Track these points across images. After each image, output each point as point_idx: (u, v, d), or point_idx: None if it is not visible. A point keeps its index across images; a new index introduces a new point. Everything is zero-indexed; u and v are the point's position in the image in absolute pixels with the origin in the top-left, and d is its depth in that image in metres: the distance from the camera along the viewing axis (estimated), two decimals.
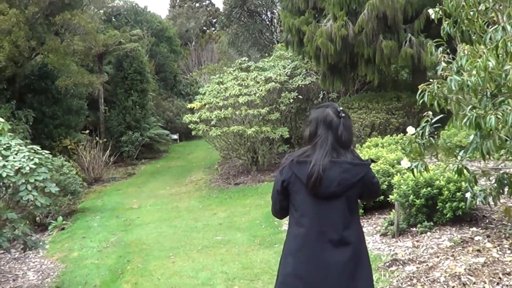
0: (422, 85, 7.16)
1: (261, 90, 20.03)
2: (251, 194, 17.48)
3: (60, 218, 15.87)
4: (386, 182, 10.54)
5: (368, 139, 14.87)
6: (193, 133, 21.53)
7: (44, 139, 25.75)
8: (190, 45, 60.30)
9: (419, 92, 7.11)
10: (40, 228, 16.01)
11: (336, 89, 21.23)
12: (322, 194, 3.93)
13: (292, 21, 19.29)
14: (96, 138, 26.98)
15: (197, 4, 71.34)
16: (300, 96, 21.47)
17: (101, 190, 23.44)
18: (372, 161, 4.50)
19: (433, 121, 6.99)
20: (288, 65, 22.49)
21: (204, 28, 69.51)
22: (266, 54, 32.94)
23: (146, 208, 17.98)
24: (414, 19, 17.53)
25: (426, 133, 7.08)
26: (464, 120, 6.39)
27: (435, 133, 7.15)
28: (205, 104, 21.28)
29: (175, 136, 38.15)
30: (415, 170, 7.26)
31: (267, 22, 42.93)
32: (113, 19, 43.66)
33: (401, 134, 14.78)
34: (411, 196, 9.07)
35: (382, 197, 10.43)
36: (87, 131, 28.17)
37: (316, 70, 22.00)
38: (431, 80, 6.52)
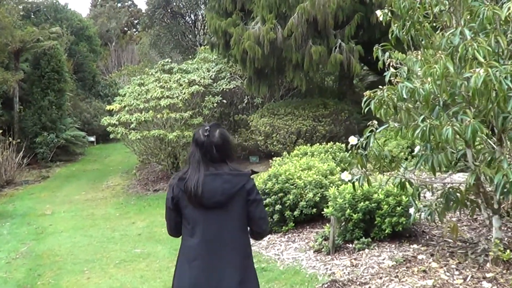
0: (368, 92, 6.58)
1: (184, 93, 19.30)
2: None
3: None
4: (319, 194, 9.92)
5: (296, 147, 14.20)
6: (112, 136, 20.64)
7: None
8: (110, 45, 59.30)
9: (364, 99, 6.52)
10: None
11: (262, 94, 20.62)
12: (208, 205, 4.24)
13: (218, 22, 18.63)
14: (9, 138, 25.60)
15: (119, 4, 70.60)
16: (224, 101, 20.83)
17: (12, 194, 22.16)
18: (253, 172, 4.51)
19: (378, 130, 6.40)
20: (212, 68, 21.87)
21: (125, 28, 68.69)
22: (189, 57, 32.29)
23: (60, 214, 16.94)
24: (345, 25, 17.18)
25: (371, 144, 6.49)
26: (417, 131, 5.81)
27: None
28: (124, 106, 20.35)
29: (92, 139, 36.91)
30: (356, 183, 6.64)
31: (191, 24, 42.34)
32: (32, 16, 42.32)
33: (331, 142, 14.34)
34: (348, 210, 8.48)
35: (314, 209, 9.84)
36: (0, 131, 26.79)
37: (241, 74, 21.41)
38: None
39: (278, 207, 9.99)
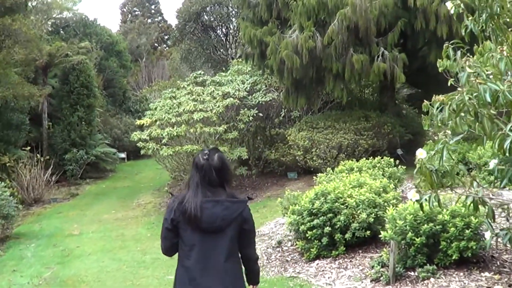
0: (440, 96, 5.56)
1: (218, 106, 18.36)
2: None
3: None
4: (373, 214, 8.86)
5: (341, 162, 13.18)
6: (142, 152, 19.69)
7: None
8: (140, 61, 58.84)
9: (437, 105, 5.50)
10: None
11: (300, 107, 19.66)
12: (208, 229, 4.41)
13: (253, 31, 17.81)
14: (38, 155, 24.87)
15: (149, 20, 70.46)
16: (261, 114, 19.85)
17: (40, 213, 21.42)
18: (249, 198, 4.80)
19: (452, 142, 5.38)
20: (247, 80, 20.85)
21: (155, 44, 68.41)
22: (221, 71, 31.33)
23: (88, 235, 16.12)
24: (388, 32, 16.31)
25: (444, 157, 5.45)
26: (507, 143, 4.77)
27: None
28: (155, 121, 19.43)
29: (123, 155, 36.19)
30: (425, 204, 5.62)
31: (222, 38, 41.66)
32: (61, 31, 42.05)
33: (373, 157, 13.47)
34: (409, 233, 7.47)
35: (367, 232, 8.80)
36: (28, 148, 26.07)
37: (277, 86, 20.52)
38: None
39: (327, 229, 8.94)
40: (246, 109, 19.18)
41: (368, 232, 8.84)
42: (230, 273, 4.49)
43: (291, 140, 18.19)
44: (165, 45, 70.14)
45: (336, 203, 9.05)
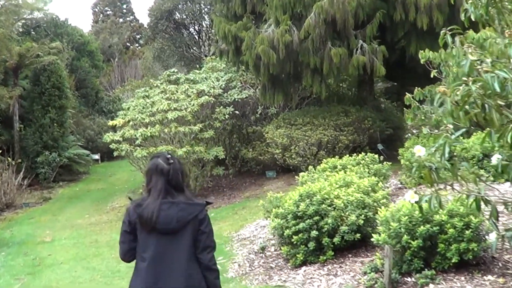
0: (441, 87, 5.00)
1: (193, 105, 17.78)
2: None
3: None
4: (362, 215, 8.28)
5: (324, 160, 12.55)
6: (115, 153, 19.08)
7: None
8: (113, 61, 58.27)
9: (437, 97, 4.96)
10: None
11: (277, 104, 19.09)
12: (163, 231, 4.40)
13: (228, 27, 17.25)
14: (8, 159, 24.13)
15: (121, 20, 69.67)
16: (237, 112, 19.23)
17: (12, 218, 20.75)
18: (207, 203, 4.73)
19: (454, 136, 4.82)
20: (221, 77, 20.23)
21: (127, 44, 67.67)
22: (195, 69, 30.71)
23: (60, 241, 15.45)
24: (366, 24, 15.92)
25: (446, 154, 4.89)
26: None
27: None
28: (128, 121, 18.87)
29: (96, 156, 35.53)
30: (425, 206, 5.07)
31: (195, 35, 41.05)
32: (32, 32, 41.36)
33: (355, 153, 13.10)
34: (405, 236, 6.90)
35: (357, 234, 8.24)
36: None
37: (253, 82, 20.00)
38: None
39: (314, 233, 8.31)
40: (221, 107, 18.58)
41: (358, 235, 8.24)
42: (195, 273, 4.45)
43: (269, 138, 17.67)
44: (137, 45, 69.53)
45: (323, 205, 8.44)
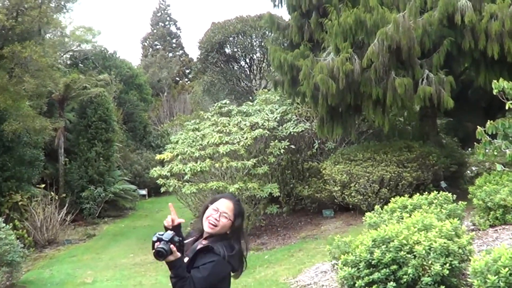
0: None
1: (246, 138, 16.77)
2: None
3: None
4: (447, 264, 7.06)
5: (392, 199, 11.26)
6: (162, 189, 18.09)
7: None
8: (162, 95, 58.29)
9: None
10: None
11: (335, 138, 17.98)
12: None
13: (283, 55, 16.36)
14: (52, 193, 23.42)
15: (170, 54, 69.93)
16: (292, 146, 18.09)
17: (53, 255, 20.09)
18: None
19: None
20: (276, 109, 19.15)
21: (177, 78, 67.83)
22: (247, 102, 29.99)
23: (102, 283, 14.62)
24: (432, 53, 14.86)
25: None
26: None
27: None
28: (177, 155, 17.97)
29: (144, 192, 34.96)
30: None
31: (246, 69, 40.36)
32: (80, 64, 41.39)
33: (418, 191, 12.63)
34: None
35: (442, 287, 7.02)
36: (43, 185, 24.71)
37: (308, 116, 19.01)
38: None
39: (391, 285, 7.10)
40: (276, 141, 17.50)
41: (442, 287, 7.06)
42: None
43: (327, 174, 16.60)
44: (186, 79, 69.88)
45: (401, 252, 7.23)
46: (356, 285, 7.40)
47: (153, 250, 4.18)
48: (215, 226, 4.52)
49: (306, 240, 14.93)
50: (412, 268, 7.06)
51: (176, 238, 4.27)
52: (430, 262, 7.12)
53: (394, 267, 7.19)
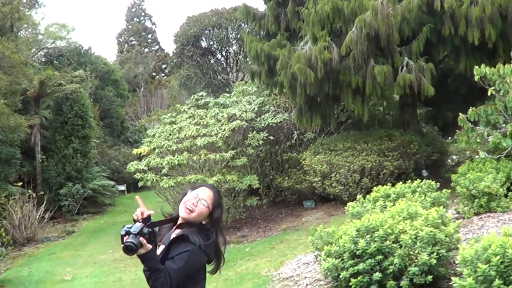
0: None
1: (224, 130, 16.42)
2: None
3: None
4: (435, 253, 6.82)
5: (374, 188, 11.01)
6: (140, 184, 17.76)
7: None
8: (138, 91, 58.12)
9: None
10: None
11: (314, 128, 17.71)
12: None
13: (260, 45, 16.05)
14: (29, 191, 23.06)
15: (146, 49, 69.62)
16: (271, 137, 17.80)
17: (32, 253, 19.76)
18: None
19: None
20: (253, 101, 18.82)
21: (153, 73, 67.76)
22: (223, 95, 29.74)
23: (81, 280, 14.31)
24: (411, 40, 14.64)
25: None
26: None
27: None
28: (154, 149, 17.59)
29: (122, 187, 34.70)
30: None
31: (222, 62, 40.07)
32: (55, 61, 40.87)
33: (400, 180, 12.42)
34: (497, 280, 5.52)
35: (429, 276, 6.79)
36: (20, 183, 24.27)
37: (286, 107, 18.76)
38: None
39: (377, 275, 6.88)
40: (254, 132, 17.20)
41: (429, 277, 6.81)
42: None
43: (306, 165, 16.36)
44: (163, 74, 69.72)
45: (387, 242, 6.99)
46: (341, 276, 7.18)
47: (122, 245, 3.94)
48: (191, 211, 4.29)
49: (287, 232, 14.68)
50: (398, 258, 6.85)
51: (145, 230, 4.01)
52: (416, 251, 6.91)
53: (380, 257, 6.98)
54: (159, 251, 4.19)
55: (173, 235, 4.27)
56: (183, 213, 4.30)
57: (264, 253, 13.00)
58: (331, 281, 7.96)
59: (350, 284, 7.09)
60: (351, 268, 7.09)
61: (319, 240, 8.50)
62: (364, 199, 10.42)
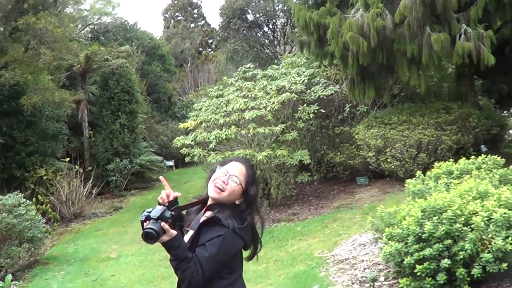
0: None
1: (273, 103, 15.68)
2: (266, 240, 12.35)
3: (9, 277, 12.00)
4: (510, 238, 6.09)
5: (436, 164, 10.19)
6: (187, 159, 17.20)
7: (15, 169, 22.08)
8: (185, 66, 57.79)
9: None
10: None
11: (368, 100, 16.91)
12: None
13: (309, 14, 15.31)
14: (76, 166, 22.89)
15: (192, 25, 69.29)
16: (323, 110, 17.03)
17: (78, 230, 19.67)
18: None
19: None
20: (303, 72, 18.06)
21: (200, 49, 67.50)
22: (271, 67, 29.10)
23: (126, 258, 13.97)
24: (469, 6, 13.62)
25: None
26: None
27: None
28: (201, 123, 16.97)
29: (170, 163, 34.50)
30: None
31: (269, 35, 39.39)
32: (101, 37, 41.25)
33: (458, 155, 11.96)
34: None
35: (503, 264, 6.07)
36: (68, 159, 24.12)
37: (336, 79, 18.06)
38: None
39: (445, 262, 6.16)
40: (305, 105, 16.48)
41: (504, 265, 6.09)
42: None
43: (360, 140, 15.63)
44: (209, 49, 69.42)
45: (456, 224, 6.27)
46: (405, 262, 6.48)
47: (142, 233, 3.48)
48: (222, 190, 3.76)
49: (340, 210, 13.98)
50: (469, 242, 6.13)
51: (168, 214, 3.52)
52: (490, 235, 6.17)
53: (448, 241, 6.27)
54: (187, 237, 3.76)
55: (202, 219, 3.78)
56: (212, 192, 3.78)
57: (316, 232, 12.32)
58: (393, 267, 7.27)
59: (416, 271, 6.39)
60: (416, 253, 6.39)
61: (379, 221, 7.80)
62: (424, 175, 9.67)
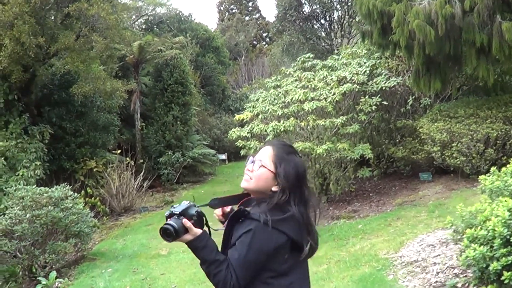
0: None
1: (334, 94, 15.03)
2: (325, 238, 11.96)
3: (53, 274, 11.62)
4: None
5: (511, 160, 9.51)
6: (242, 152, 16.54)
7: (65, 161, 21.79)
8: (239, 59, 57.48)
9: None
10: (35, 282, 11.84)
11: (433, 91, 16.12)
12: None
13: (372, 1, 14.51)
14: (127, 159, 22.52)
15: (247, 18, 69.25)
16: (385, 102, 16.30)
17: (128, 224, 19.37)
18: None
19: None
20: (364, 63, 17.37)
21: (254, 42, 67.33)
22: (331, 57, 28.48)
23: (177, 255, 13.49)
24: None
25: None
26: None
27: None
28: (257, 114, 16.45)
29: (223, 156, 34.25)
30: None
31: (326, 27, 38.72)
32: (155, 28, 41.09)
33: None
34: None
35: None
36: (119, 151, 23.77)
37: (399, 70, 17.22)
38: None
39: None
40: (367, 96, 15.79)
41: None
42: None
43: (424, 133, 14.87)
44: (264, 42, 69.27)
45: None
46: (490, 268, 5.79)
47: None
48: (250, 178, 3.48)
49: (404, 207, 13.25)
50: None
51: (193, 210, 3.32)
52: None
53: None
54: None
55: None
56: (242, 183, 3.54)
57: (379, 230, 11.62)
58: (473, 272, 6.56)
59: (503, 278, 5.66)
60: (503, 258, 5.71)
61: (460, 221, 7.07)
62: (499, 171, 8.93)
